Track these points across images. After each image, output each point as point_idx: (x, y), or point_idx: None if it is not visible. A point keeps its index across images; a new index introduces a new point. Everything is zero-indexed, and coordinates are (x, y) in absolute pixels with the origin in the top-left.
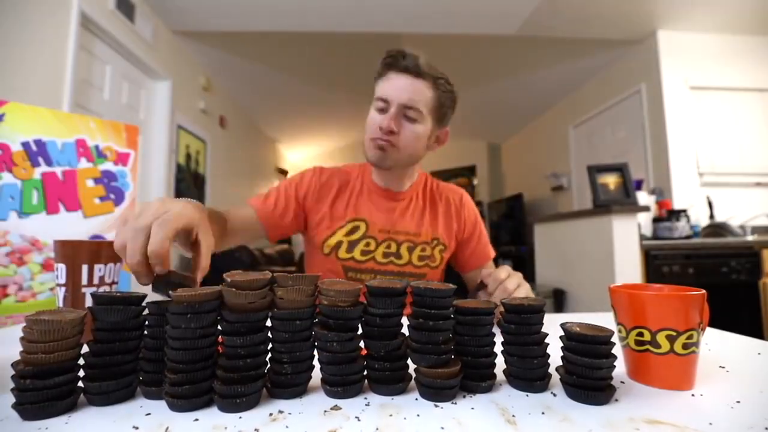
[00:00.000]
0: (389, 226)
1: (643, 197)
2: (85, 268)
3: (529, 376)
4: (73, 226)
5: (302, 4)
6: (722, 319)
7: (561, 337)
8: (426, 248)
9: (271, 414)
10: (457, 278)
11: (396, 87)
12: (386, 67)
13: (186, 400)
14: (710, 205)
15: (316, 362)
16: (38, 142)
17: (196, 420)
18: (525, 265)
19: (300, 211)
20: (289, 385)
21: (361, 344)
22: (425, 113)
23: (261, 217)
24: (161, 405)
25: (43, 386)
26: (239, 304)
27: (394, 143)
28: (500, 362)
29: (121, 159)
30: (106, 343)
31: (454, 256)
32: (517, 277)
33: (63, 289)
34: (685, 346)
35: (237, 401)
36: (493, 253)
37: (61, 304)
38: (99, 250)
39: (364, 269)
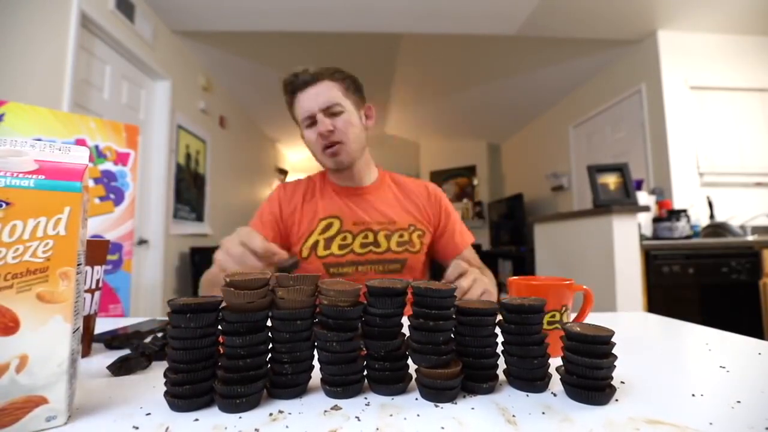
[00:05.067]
0: (363, 218)
1: (643, 197)
2: None
3: (529, 376)
4: None
5: (302, 4)
6: (722, 319)
7: (561, 337)
8: (404, 234)
9: (271, 414)
10: (440, 267)
11: (309, 100)
12: (291, 93)
13: (186, 400)
14: (710, 205)
15: (315, 362)
16: None
17: (197, 420)
18: (525, 265)
19: (281, 228)
20: (289, 385)
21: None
22: (343, 103)
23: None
24: (161, 405)
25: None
26: (238, 304)
27: (338, 140)
28: (500, 362)
29: (121, 159)
30: None
31: (432, 247)
32: (481, 285)
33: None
34: (549, 323)
35: (237, 401)
36: (469, 239)
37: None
38: None
39: (345, 262)
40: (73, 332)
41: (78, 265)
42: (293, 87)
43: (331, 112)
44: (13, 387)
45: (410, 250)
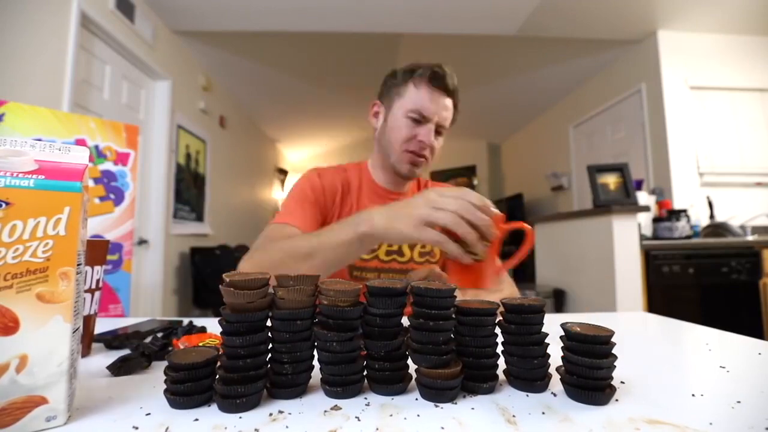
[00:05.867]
0: None
1: (643, 197)
2: None
3: (529, 376)
4: None
5: (302, 4)
6: (722, 319)
7: (561, 337)
8: (426, 245)
9: (271, 414)
10: None
11: (438, 105)
12: (429, 80)
13: (187, 397)
14: (710, 205)
15: (315, 362)
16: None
17: (196, 420)
18: (525, 265)
19: (321, 211)
20: (289, 385)
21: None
22: (447, 129)
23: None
24: (161, 405)
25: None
26: (238, 304)
27: (427, 157)
28: (500, 362)
29: (121, 159)
30: None
31: None
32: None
33: None
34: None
35: (237, 401)
36: None
37: None
38: None
39: (369, 267)
40: (73, 332)
41: (78, 265)
42: (436, 79)
43: (438, 130)
44: (13, 387)
45: (431, 261)
